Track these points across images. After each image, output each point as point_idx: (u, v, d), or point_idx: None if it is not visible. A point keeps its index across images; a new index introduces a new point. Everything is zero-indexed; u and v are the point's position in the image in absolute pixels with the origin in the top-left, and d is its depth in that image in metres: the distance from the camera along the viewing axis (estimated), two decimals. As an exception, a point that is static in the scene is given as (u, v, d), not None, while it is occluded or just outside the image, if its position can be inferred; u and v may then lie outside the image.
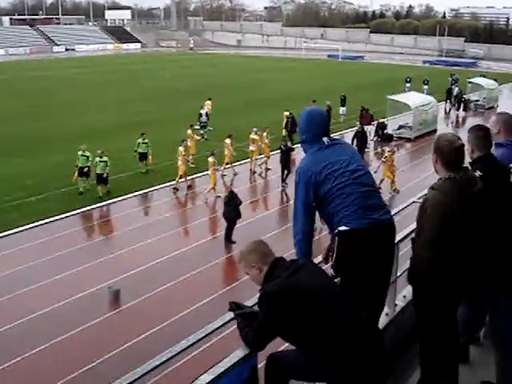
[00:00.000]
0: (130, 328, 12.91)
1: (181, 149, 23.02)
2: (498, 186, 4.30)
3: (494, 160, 4.59)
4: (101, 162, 21.54)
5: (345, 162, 3.86)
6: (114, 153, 24.48)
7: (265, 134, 26.32)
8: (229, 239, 17.64)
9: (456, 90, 44.98)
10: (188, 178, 23.32)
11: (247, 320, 3.34)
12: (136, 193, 22.29)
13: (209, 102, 36.29)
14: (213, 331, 3.31)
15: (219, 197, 21.31)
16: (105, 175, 21.59)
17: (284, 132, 29.91)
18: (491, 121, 5.26)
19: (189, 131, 27.06)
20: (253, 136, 25.87)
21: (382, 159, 22.92)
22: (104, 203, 21.11)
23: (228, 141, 24.88)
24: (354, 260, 3.76)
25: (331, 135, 4.08)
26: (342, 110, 36.62)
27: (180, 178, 22.98)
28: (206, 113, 32.89)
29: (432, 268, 3.96)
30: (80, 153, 22.02)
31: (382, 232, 3.80)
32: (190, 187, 23.27)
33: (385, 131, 32.27)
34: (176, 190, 22.91)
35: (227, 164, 25.09)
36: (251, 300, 3.50)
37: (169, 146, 25.90)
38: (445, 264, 3.93)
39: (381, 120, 32.83)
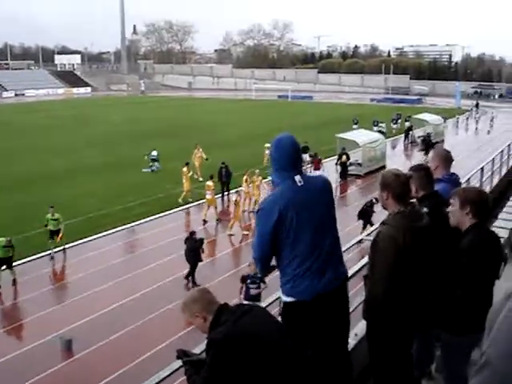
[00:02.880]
0: (83, 378, 12.59)
1: (209, 183, 24.28)
2: (444, 221, 4.38)
3: (439, 196, 4.72)
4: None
5: (311, 210, 3.75)
6: (64, 198, 24.18)
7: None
8: (192, 281, 17.36)
9: (416, 132, 45.49)
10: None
11: (195, 368, 3.30)
12: (84, 239, 21.82)
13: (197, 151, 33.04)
14: (161, 381, 3.28)
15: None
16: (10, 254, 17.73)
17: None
18: (429, 157, 5.45)
19: (184, 169, 26.93)
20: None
21: None
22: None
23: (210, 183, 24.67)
24: (300, 329, 3.78)
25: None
26: (305, 156, 32.99)
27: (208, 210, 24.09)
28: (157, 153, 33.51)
29: (385, 303, 3.99)
30: None
31: (328, 300, 3.77)
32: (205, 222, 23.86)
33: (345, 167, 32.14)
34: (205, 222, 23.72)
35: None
36: (199, 347, 3.48)
37: (117, 189, 25.60)
38: (398, 299, 3.96)
39: (343, 159, 32.27)
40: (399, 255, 3.89)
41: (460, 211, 4.12)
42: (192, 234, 18.18)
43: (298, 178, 3.77)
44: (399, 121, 52.70)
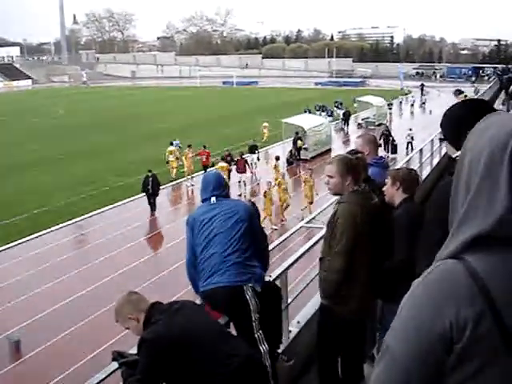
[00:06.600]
0: (33, 379, 12.35)
1: (222, 164, 24.49)
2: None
3: (372, 181, 4.90)
4: None
5: (215, 220, 4.32)
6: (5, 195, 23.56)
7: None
8: None
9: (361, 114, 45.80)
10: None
11: (131, 369, 3.26)
12: (32, 236, 21.29)
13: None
14: (98, 383, 3.22)
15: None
16: None
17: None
18: (357, 144, 5.56)
19: (185, 150, 25.71)
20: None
21: None
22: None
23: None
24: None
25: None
26: (252, 158, 29.70)
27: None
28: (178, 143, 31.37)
29: (344, 277, 4.17)
30: None
31: (221, 295, 4.11)
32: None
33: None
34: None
35: None
36: (135, 348, 3.43)
37: (67, 183, 25.04)
38: (355, 273, 4.15)
39: (299, 144, 32.51)
40: (357, 230, 4.12)
41: (391, 188, 4.58)
42: None
43: (213, 198, 4.48)
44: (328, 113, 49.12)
